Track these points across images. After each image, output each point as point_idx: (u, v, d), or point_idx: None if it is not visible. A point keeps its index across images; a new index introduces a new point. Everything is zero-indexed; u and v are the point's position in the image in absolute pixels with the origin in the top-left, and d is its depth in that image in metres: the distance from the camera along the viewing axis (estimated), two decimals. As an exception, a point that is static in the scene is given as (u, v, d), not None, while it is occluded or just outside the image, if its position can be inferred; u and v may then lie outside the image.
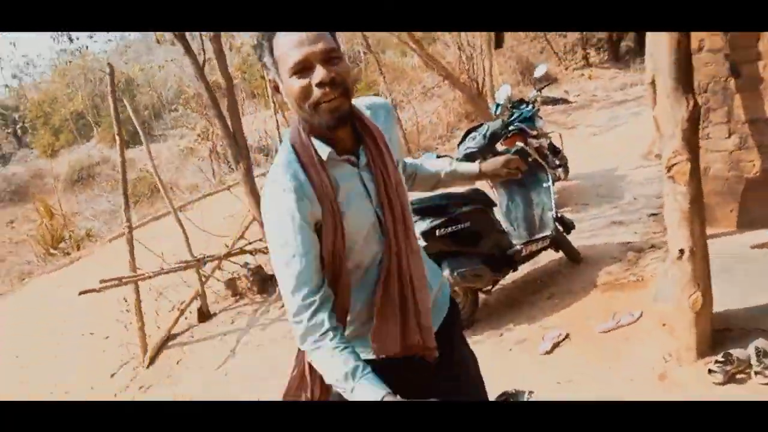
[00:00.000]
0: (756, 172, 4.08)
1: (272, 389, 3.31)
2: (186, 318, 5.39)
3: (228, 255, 5.71)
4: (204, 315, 5.32)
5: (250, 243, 5.99)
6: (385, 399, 1.26)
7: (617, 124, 9.34)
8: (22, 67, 28.36)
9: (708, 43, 3.99)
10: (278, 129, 7.11)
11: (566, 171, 6.52)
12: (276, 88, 1.44)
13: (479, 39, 11.24)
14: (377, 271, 1.49)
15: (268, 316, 5.15)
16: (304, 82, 1.32)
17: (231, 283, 5.66)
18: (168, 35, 6.18)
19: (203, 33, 5.63)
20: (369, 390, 1.29)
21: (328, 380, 1.36)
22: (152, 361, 4.72)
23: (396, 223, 1.48)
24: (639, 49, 15.99)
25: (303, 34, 1.31)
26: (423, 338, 1.49)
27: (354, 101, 1.50)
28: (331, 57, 1.32)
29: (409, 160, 1.88)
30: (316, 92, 1.31)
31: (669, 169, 2.93)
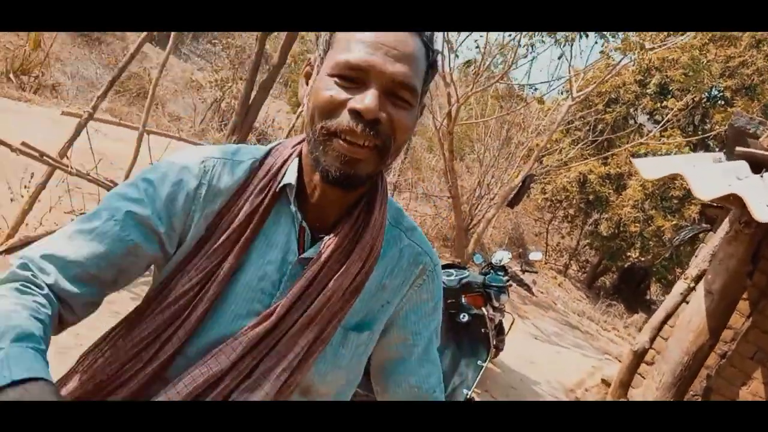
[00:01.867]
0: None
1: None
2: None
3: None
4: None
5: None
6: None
7: (558, 342, 9.26)
8: None
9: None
10: (289, 133, 6.75)
11: (497, 354, 6.32)
12: (307, 76, 0.95)
13: (497, 188, 11.29)
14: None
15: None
16: (339, 93, 0.84)
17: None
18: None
19: None
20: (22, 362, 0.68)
21: None
22: (10, 250, 4.06)
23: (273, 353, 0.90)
24: (612, 292, 16.39)
25: (389, 38, 0.85)
26: None
27: (399, 211, 1.05)
28: (399, 93, 0.86)
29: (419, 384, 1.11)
30: (344, 119, 0.84)
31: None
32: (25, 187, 4.33)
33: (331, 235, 0.93)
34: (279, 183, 0.93)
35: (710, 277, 2.65)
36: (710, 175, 2.30)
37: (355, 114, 0.83)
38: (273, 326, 0.90)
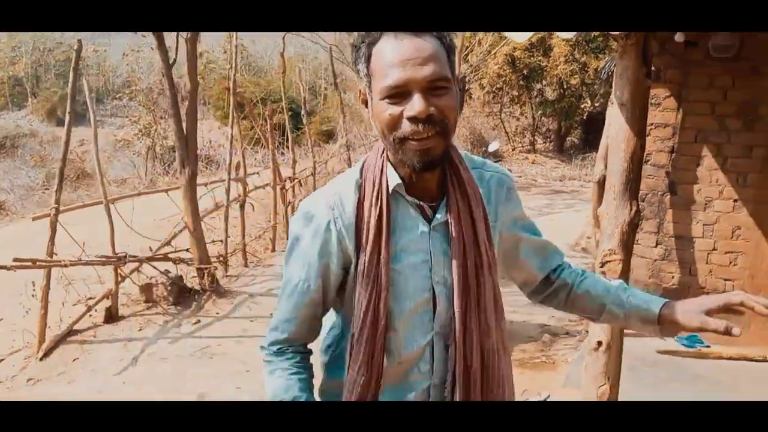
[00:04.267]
0: (674, 284, 4.38)
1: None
2: (91, 315, 5.10)
3: (151, 258, 5.51)
4: (111, 316, 5.06)
5: (176, 251, 5.80)
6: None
7: (551, 211, 9.78)
8: (-33, 19, 26.57)
9: (654, 158, 4.31)
10: (231, 143, 7.01)
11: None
12: (364, 102, 1.20)
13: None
14: (425, 383, 1.23)
15: (179, 330, 4.96)
16: (395, 110, 1.09)
17: (146, 288, 5.43)
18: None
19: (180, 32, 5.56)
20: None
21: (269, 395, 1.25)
22: (47, 353, 4.41)
23: (465, 315, 1.19)
24: (583, 147, 16.95)
25: (410, 50, 1.07)
26: None
27: (468, 156, 1.31)
28: (436, 86, 1.08)
29: (563, 265, 1.47)
30: (406, 126, 1.08)
31: (602, 264, 3.10)
32: (33, 296, 4.64)
33: (446, 201, 1.20)
34: (388, 189, 1.18)
35: (618, 92, 3.04)
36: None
37: (413, 119, 1.07)
38: (466, 275, 1.20)
